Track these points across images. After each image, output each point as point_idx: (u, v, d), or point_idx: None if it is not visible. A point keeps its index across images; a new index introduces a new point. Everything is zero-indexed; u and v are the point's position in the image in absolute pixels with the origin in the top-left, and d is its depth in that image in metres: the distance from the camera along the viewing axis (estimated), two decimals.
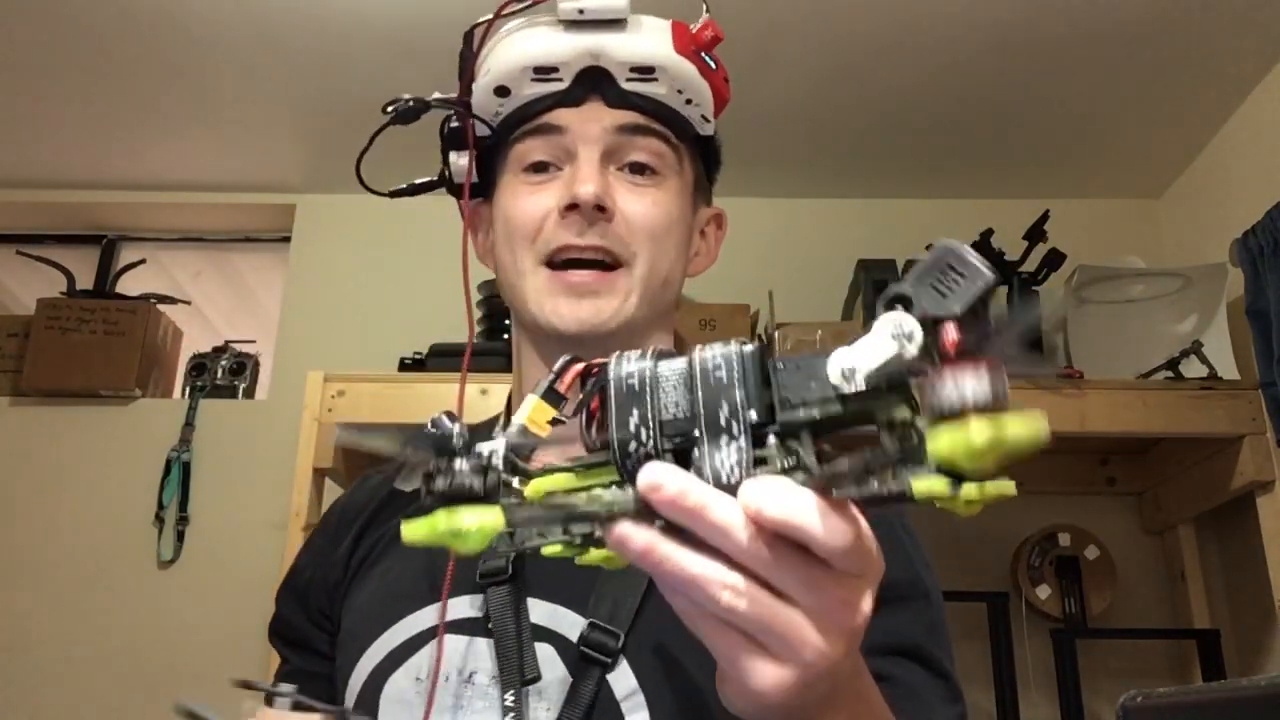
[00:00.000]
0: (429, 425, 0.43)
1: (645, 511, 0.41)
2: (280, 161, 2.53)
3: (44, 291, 2.56)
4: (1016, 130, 2.34)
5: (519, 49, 0.77)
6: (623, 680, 0.69)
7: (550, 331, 0.77)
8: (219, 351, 2.56)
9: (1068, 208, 2.36)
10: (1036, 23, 1.98)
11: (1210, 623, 2.15)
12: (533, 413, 0.46)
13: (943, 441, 0.36)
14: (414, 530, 0.41)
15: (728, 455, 0.40)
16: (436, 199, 0.90)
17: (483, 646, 0.73)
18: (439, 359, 2.08)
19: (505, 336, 2.15)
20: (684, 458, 0.41)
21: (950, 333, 0.37)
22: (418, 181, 0.86)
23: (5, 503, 2.39)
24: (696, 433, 0.41)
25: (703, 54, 0.78)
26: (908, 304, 0.39)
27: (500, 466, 0.43)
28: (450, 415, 0.43)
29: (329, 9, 1.99)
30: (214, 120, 2.37)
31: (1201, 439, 1.99)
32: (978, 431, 0.35)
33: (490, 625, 0.72)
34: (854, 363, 0.39)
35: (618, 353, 0.44)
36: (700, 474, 0.40)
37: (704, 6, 0.78)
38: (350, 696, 0.77)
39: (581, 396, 0.45)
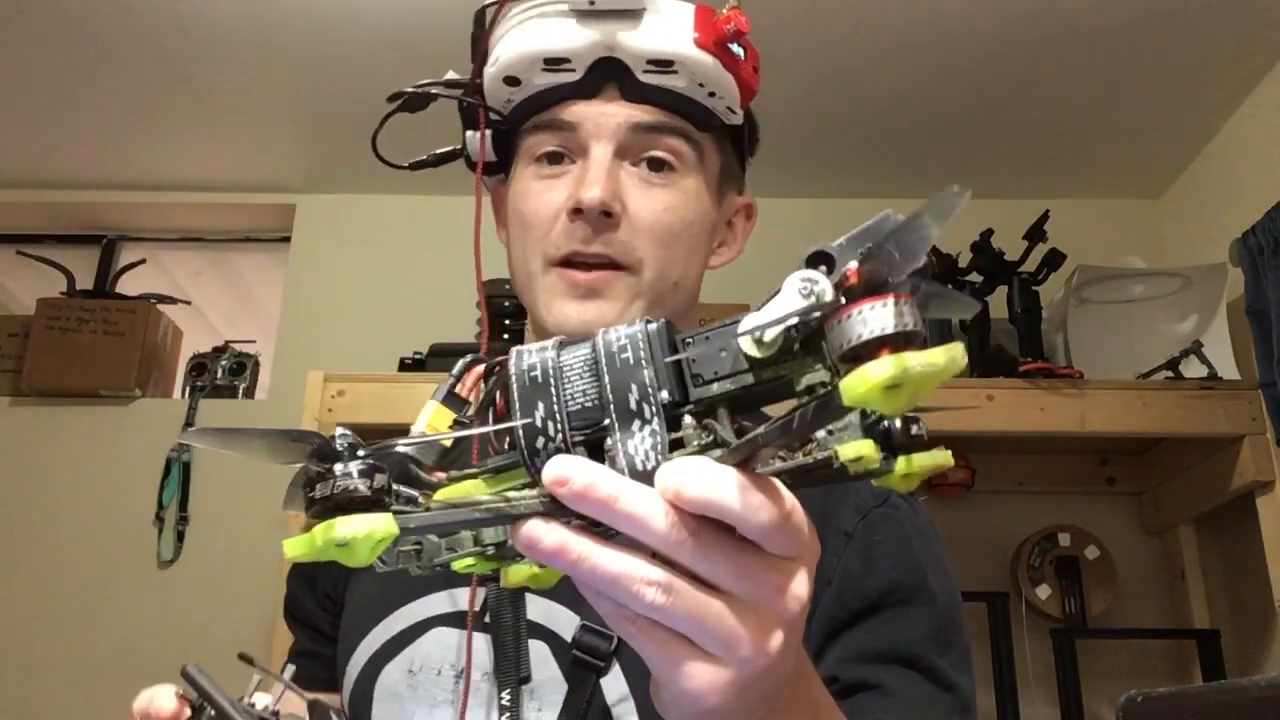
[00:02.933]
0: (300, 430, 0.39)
1: (557, 510, 0.37)
2: (280, 161, 2.53)
3: (44, 291, 2.56)
4: (1016, 130, 2.34)
5: (529, 38, 0.74)
6: (614, 685, 0.68)
7: (556, 332, 0.76)
8: (219, 351, 2.56)
9: (1068, 208, 2.36)
10: (1036, 23, 1.98)
11: (1210, 623, 2.15)
12: (432, 418, 0.44)
13: (854, 382, 0.31)
14: (294, 546, 0.37)
15: (641, 441, 0.37)
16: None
17: (479, 641, 0.72)
18: (439, 359, 2.08)
19: (505, 337, 2.15)
20: (597, 449, 0.38)
21: (855, 269, 0.34)
22: (439, 152, 0.83)
23: (5, 503, 2.38)
24: (607, 421, 0.38)
25: (730, 44, 0.73)
26: (831, 265, 0.36)
27: (387, 470, 0.38)
28: (349, 430, 0.39)
29: (329, 9, 1.99)
30: (214, 120, 2.36)
31: (1201, 439, 1.99)
32: (881, 365, 0.31)
33: (488, 620, 0.72)
34: (761, 325, 0.36)
35: (516, 347, 0.41)
36: (614, 464, 0.37)
37: None
38: (348, 683, 0.77)
39: (483, 396, 0.42)
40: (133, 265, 2.66)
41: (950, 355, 0.31)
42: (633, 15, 0.72)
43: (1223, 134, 2.29)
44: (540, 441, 0.38)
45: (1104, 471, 2.32)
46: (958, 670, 0.68)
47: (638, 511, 0.36)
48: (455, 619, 0.74)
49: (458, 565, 0.41)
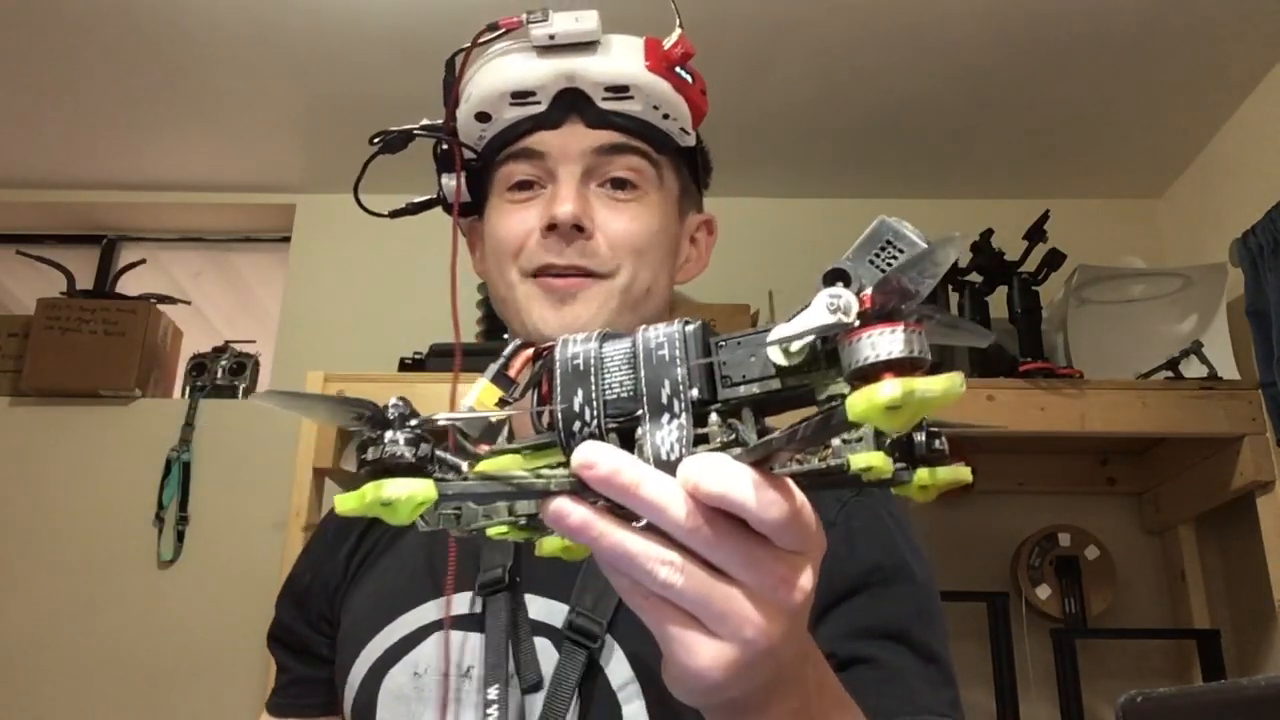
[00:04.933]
0: (389, 403, 0.42)
1: (584, 490, 0.40)
2: (280, 161, 2.53)
3: (44, 291, 2.55)
4: (1016, 130, 2.34)
5: (496, 75, 0.80)
6: (618, 670, 0.71)
7: (537, 338, 0.78)
8: (219, 351, 2.56)
9: (1068, 208, 2.36)
10: (1037, 23, 1.99)
11: (1210, 623, 2.15)
12: (481, 395, 0.47)
13: (857, 400, 0.35)
14: (345, 501, 0.40)
15: (669, 433, 0.40)
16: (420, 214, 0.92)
17: (479, 643, 0.74)
18: (439, 359, 2.08)
19: (505, 336, 2.15)
20: (628, 437, 0.41)
21: (868, 294, 0.37)
22: (416, 201, 0.89)
23: (5, 503, 2.39)
24: (639, 411, 0.41)
25: (677, 69, 0.79)
26: (847, 280, 0.39)
27: (431, 439, 0.41)
28: (405, 400, 0.42)
29: (329, 9, 1.99)
30: (214, 120, 2.37)
31: (1201, 439, 1.99)
32: (884, 388, 0.34)
33: (486, 627, 0.74)
34: (788, 336, 0.39)
35: (564, 335, 0.44)
36: (642, 452, 0.40)
37: (676, 22, 0.80)
38: (350, 693, 0.79)
39: (528, 379, 0.45)
40: (133, 265, 2.66)
41: (950, 383, 0.34)
42: (589, 47, 0.78)
43: (1223, 134, 2.29)
44: (577, 425, 0.42)
45: (1104, 471, 2.32)
46: (939, 644, 0.73)
47: (657, 498, 0.39)
48: (456, 621, 0.76)
49: (492, 531, 0.44)
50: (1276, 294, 1.87)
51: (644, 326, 0.43)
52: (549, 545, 0.46)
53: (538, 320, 0.79)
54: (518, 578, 0.75)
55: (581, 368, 0.42)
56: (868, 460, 0.37)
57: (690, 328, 0.42)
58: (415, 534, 0.72)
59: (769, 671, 0.42)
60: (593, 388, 0.42)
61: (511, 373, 0.47)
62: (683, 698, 0.44)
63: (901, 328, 0.35)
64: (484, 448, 0.45)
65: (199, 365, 2.52)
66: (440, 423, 0.42)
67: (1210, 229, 2.29)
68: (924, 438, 0.40)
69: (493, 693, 0.69)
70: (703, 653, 0.41)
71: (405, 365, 2.14)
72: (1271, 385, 1.87)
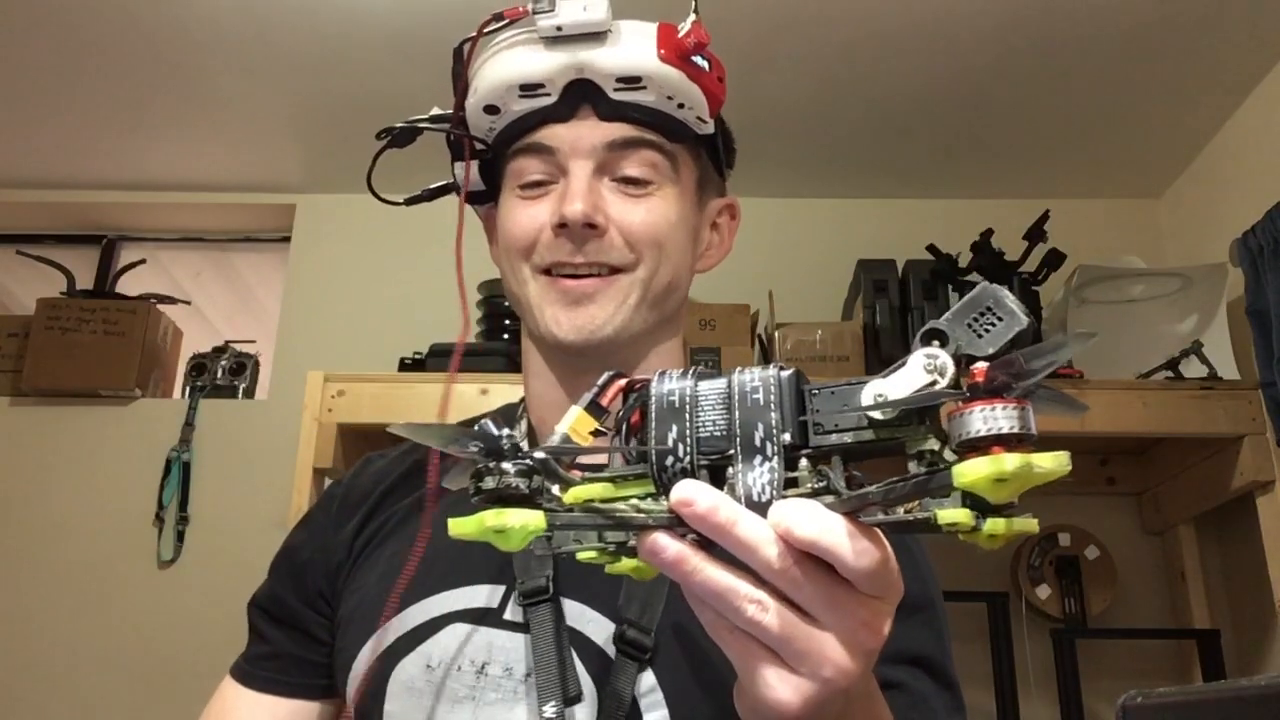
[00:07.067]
0: (477, 429, 0.44)
1: (678, 524, 0.42)
2: (280, 161, 2.53)
3: (44, 291, 2.56)
4: (1016, 130, 2.34)
5: (503, 68, 0.78)
6: (644, 678, 0.69)
7: (550, 340, 0.78)
8: (219, 351, 2.56)
9: (1068, 208, 2.36)
10: (1037, 23, 1.98)
11: (1210, 623, 2.15)
12: (575, 423, 0.48)
13: (967, 470, 0.37)
14: (462, 526, 0.43)
15: (760, 475, 0.42)
16: (436, 199, 0.91)
17: (501, 639, 0.73)
18: (439, 359, 2.08)
19: (505, 336, 2.15)
20: (719, 475, 0.43)
21: (983, 368, 0.39)
22: (432, 187, 0.86)
23: (5, 503, 2.39)
24: (732, 451, 0.43)
25: (692, 57, 0.77)
26: (944, 340, 0.41)
27: (542, 472, 0.44)
28: (495, 422, 0.44)
29: (329, 9, 1.99)
30: (214, 120, 2.37)
31: (1201, 439, 1.99)
32: (1003, 462, 0.36)
33: (521, 621, 0.72)
34: (887, 392, 0.41)
35: (661, 370, 0.46)
36: (733, 491, 0.42)
37: (692, 8, 0.77)
38: (353, 680, 0.76)
39: (622, 411, 0.47)
40: (133, 265, 2.66)
41: (1058, 461, 0.37)
42: (599, 38, 0.76)
43: (1223, 134, 2.29)
44: (669, 460, 0.44)
45: (1104, 471, 2.32)
46: (953, 669, 0.74)
47: (750, 538, 0.41)
48: (472, 615, 0.74)
49: (581, 556, 0.46)
50: (1276, 294, 1.87)
51: (739, 369, 0.45)
52: (622, 565, 0.47)
53: (550, 321, 0.77)
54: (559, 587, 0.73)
55: (677, 404, 0.44)
56: (954, 516, 0.39)
57: (786, 374, 0.44)
58: (424, 519, 0.71)
59: (839, 705, 0.44)
60: (687, 425, 0.44)
61: (604, 401, 0.48)
62: None
63: (1014, 405, 0.38)
64: (576, 474, 0.46)
65: (199, 365, 2.52)
66: (543, 454, 0.44)
67: (1210, 229, 2.29)
68: None
69: (549, 710, 0.68)
70: (781, 688, 0.43)
71: (405, 365, 2.14)
72: (1271, 385, 1.87)
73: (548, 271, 0.78)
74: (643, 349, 0.80)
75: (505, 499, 0.42)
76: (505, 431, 0.43)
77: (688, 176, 0.82)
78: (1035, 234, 2.08)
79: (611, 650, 0.70)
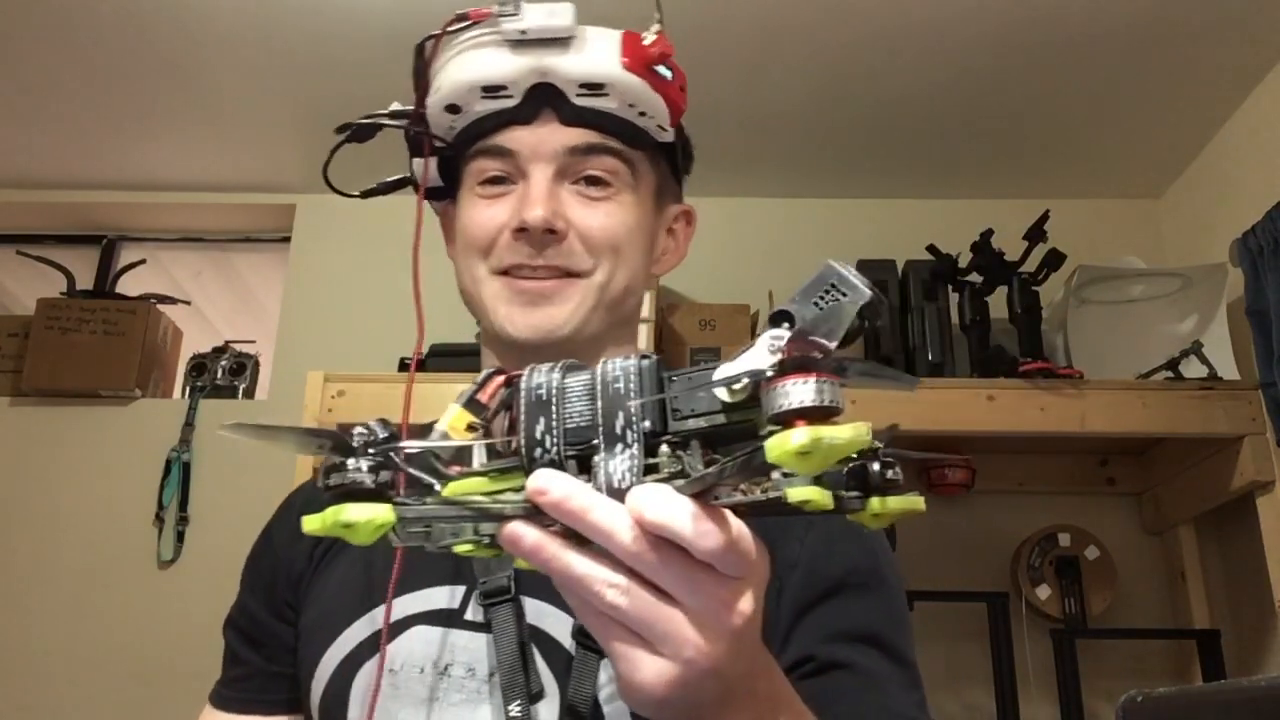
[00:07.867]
0: (356, 428, 0.45)
1: (541, 515, 0.43)
2: (280, 161, 2.53)
3: (44, 291, 2.56)
4: (1016, 130, 2.34)
5: (466, 68, 0.78)
6: (604, 671, 0.70)
7: (506, 339, 0.79)
8: (219, 351, 2.56)
9: (1068, 208, 2.36)
10: (1037, 23, 1.98)
11: (1210, 623, 2.15)
12: (453, 420, 0.49)
13: (774, 445, 0.38)
14: (310, 522, 0.44)
15: (621, 462, 0.43)
16: (394, 193, 0.92)
17: (464, 639, 0.73)
18: (439, 359, 2.08)
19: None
20: (586, 464, 0.44)
21: (790, 344, 0.40)
22: (388, 180, 0.87)
23: (5, 503, 2.39)
24: (596, 441, 0.44)
25: (655, 66, 0.77)
26: (792, 321, 0.41)
27: (399, 466, 0.45)
28: (384, 422, 0.46)
29: (329, 10, 1.99)
30: (214, 120, 2.37)
31: (1201, 439, 1.99)
32: (795, 436, 0.37)
33: (483, 621, 0.73)
34: (729, 376, 0.41)
35: (531, 365, 0.47)
36: (595, 480, 0.43)
37: (656, 19, 0.77)
38: (317, 686, 0.76)
39: (497, 404, 0.48)
40: (133, 265, 2.66)
41: (855, 432, 0.37)
42: (563, 43, 0.76)
43: (1223, 134, 2.29)
44: (538, 452, 0.44)
45: (1104, 471, 2.32)
46: (909, 646, 0.74)
47: (605, 524, 0.42)
48: (434, 617, 0.74)
49: (459, 549, 0.46)
50: (1276, 294, 1.87)
51: (605, 359, 0.45)
52: (520, 560, 0.48)
53: (503, 319, 0.79)
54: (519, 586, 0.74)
55: (544, 397, 0.45)
56: (804, 494, 0.40)
57: (646, 362, 0.44)
58: None
59: (714, 689, 0.45)
60: (554, 417, 0.44)
61: (484, 398, 0.49)
62: (632, 707, 0.46)
63: (815, 378, 0.38)
64: (455, 469, 0.47)
65: (199, 365, 2.52)
66: (407, 450, 0.45)
67: (1210, 229, 2.29)
68: (878, 467, 0.42)
69: (515, 709, 0.68)
70: (646, 669, 0.43)
71: (405, 365, 2.14)
72: (1271, 385, 1.87)
73: (505, 273, 0.79)
74: (598, 350, 0.80)
75: (352, 494, 0.43)
76: (358, 427, 0.45)
77: (646, 183, 0.83)
78: (1035, 234, 2.08)
79: (572, 645, 0.70)
